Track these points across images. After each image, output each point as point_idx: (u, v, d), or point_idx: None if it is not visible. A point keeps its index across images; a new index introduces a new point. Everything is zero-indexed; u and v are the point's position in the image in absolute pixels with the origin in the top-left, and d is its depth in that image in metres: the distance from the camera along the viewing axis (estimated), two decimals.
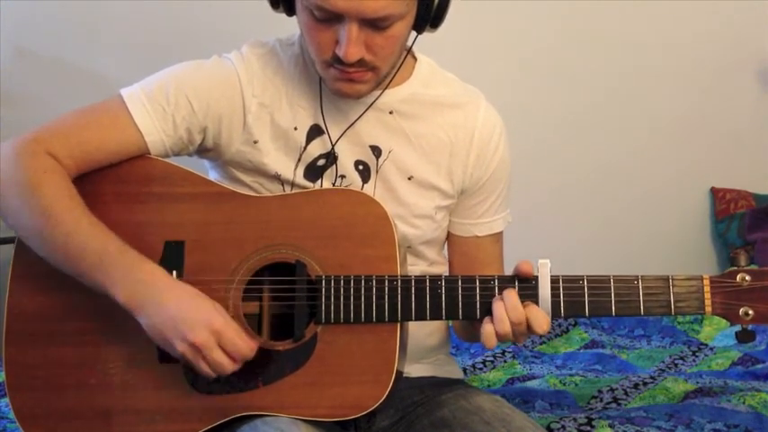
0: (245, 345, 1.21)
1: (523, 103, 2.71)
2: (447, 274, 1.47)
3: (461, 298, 1.25)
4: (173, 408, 1.26)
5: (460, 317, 1.26)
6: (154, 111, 1.32)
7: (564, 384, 1.93)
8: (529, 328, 1.22)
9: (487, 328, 1.22)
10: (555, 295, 1.23)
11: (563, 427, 1.55)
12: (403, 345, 1.27)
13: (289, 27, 1.40)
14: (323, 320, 1.25)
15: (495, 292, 1.24)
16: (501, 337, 1.22)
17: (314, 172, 1.37)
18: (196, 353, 1.18)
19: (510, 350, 2.26)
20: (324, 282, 1.26)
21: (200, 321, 1.18)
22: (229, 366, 1.20)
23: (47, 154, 1.27)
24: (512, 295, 1.22)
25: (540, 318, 1.21)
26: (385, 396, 1.23)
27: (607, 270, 1.25)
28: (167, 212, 1.31)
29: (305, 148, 1.37)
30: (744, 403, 1.66)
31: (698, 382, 1.85)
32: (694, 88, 2.90)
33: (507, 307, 1.21)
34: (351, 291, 1.25)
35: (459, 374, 1.53)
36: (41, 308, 1.29)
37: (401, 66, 1.37)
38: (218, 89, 1.35)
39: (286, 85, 1.37)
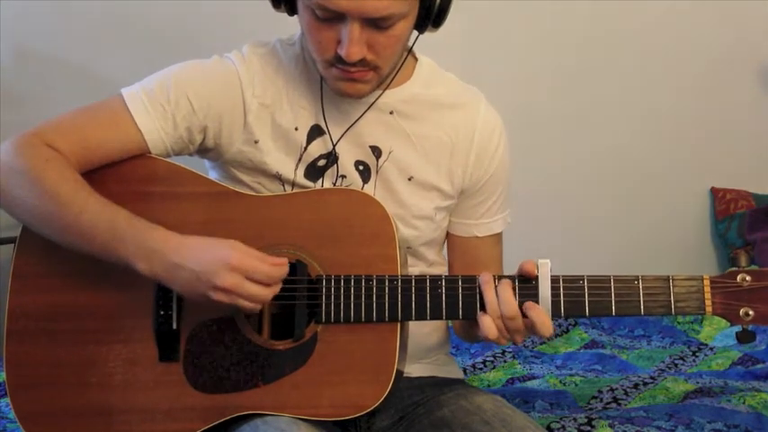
0: (272, 266, 1.21)
1: (524, 104, 2.71)
2: (447, 274, 1.47)
3: (461, 298, 1.25)
4: (173, 407, 1.26)
5: (460, 317, 1.26)
6: (154, 110, 1.32)
7: (564, 384, 1.93)
8: (533, 330, 1.22)
9: (486, 320, 1.22)
10: (555, 295, 1.23)
11: (563, 427, 1.55)
12: (403, 344, 1.27)
13: (290, 27, 1.40)
14: (323, 320, 1.25)
15: None
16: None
17: (314, 172, 1.37)
18: (231, 295, 1.19)
19: (510, 350, 2.26)
20: (324, 281, 1.26)
21: (219, 265, 1.18)
22: (267, 293, 1.20)
23: (47, 146, 1.27)
24: (505, 289, 1.22)
25: (546, 320, 1.21)
26: (385, 396, 1.23)
27: (607, 270, 1.25)
28: (168, 212, 1.30)
29: (305, 148, 1.37)
30: (744, 403, 1.66)
31: (698, 382, 1.85)
32: (694, 88, 2.90)
33: (500, 300, 1.22)
34: (351, 290, 1.25)
35: (459, 374, 1.53)
36: (42, 307, 1.30)
37: (402, 66, 1.37)
38: (218, 89, 1.35)
39: (287, 85, 1.37)
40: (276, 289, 1.22)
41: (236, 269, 1.18)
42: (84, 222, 1.22)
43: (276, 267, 1.21)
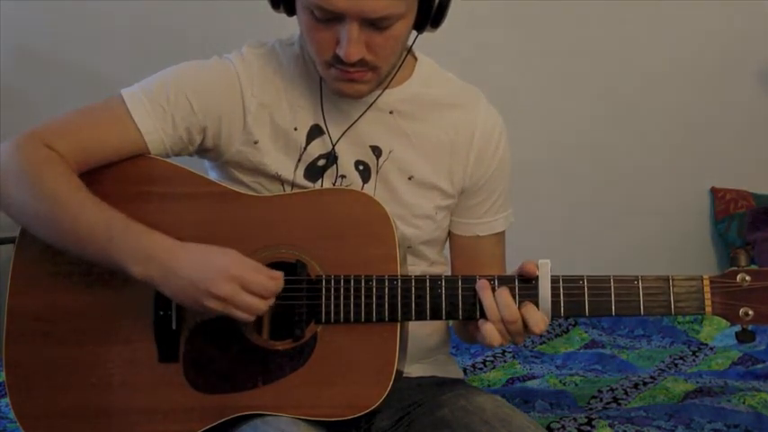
0: (269, 280, 1.21)
1: (524, 103, 2.72)
2: (448, 274, 1.47)
3: (461, 298, 1.25)
4: (173, 407, 1.26)
5: (460, 317, 1.26)
6: (154, 110, 1.32)
7: (564, 384, 1.93)
8: (526, 327, 1.22)
9: (487, 327, 1.22)
10: (555, 295, 1.23)
11: (563, 427, 1.55)
12: (403, 345, 1.27)
13: (289, 27, 1.40)
14: (323, 320, 1.25)
15: None
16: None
17: (314, 172, 1.37)
18: (225, 304, 1.19)
19: (510, 350, 2.26)
20: (324, 282, 1.26)
21: (217, 273, 1.19)
22: (262, 305, 1.20)
23: (46, 147, 1.27)
24: (504, 294, 1.22)
25: (537, 317, 1.21)
26: (385, 396, 1.23)
27: (607, 270, 1.25)
28: (168, 212, 1.30)
29: (305, 148, 1.37)
30: (744, 403, 1.66)
31: (698, 382, 1.85)
32: (694, 88, 2.90)
33: (500, 305, 1.22)
34: (351, 291, 1.25)
35: (459, 374, 1.53)
36: (42, 308, 1.29)
37: (401, 65, 1.37)
38: (217, 89, 1.35)
39: (286, 86, 1.37)
40: (271, 301, 1.22)
41: (233, 278, 1.19)
42: (81, 225, 1.22)
43: (273, 280, 1.21)
